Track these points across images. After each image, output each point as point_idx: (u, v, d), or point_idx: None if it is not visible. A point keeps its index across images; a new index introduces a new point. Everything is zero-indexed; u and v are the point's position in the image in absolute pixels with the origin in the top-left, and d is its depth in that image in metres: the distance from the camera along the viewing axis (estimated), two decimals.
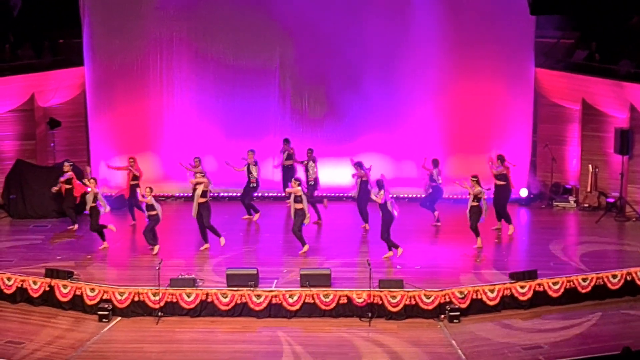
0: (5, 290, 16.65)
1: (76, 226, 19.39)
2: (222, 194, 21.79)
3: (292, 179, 18.15)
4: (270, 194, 21.75)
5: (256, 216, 20.29)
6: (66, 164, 19.54)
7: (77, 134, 22.81)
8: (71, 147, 22.66)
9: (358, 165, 19.21)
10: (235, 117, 22.20)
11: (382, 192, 17.36)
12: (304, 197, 17.76)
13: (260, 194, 21.23)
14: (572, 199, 21.69)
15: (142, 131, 22.39)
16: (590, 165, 21.27)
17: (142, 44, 22.11)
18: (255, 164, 20.04)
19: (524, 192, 21.78)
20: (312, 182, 20.16)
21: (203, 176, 18.21)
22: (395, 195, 21.64)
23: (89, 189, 17.99)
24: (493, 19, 21.46)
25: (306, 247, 18.00)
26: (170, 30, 22.10)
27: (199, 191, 18.01)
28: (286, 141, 21.05)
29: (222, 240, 18.36)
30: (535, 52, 21.88)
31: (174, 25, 22.07)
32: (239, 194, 20.67)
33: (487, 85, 21.87)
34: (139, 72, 22.20)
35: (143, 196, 17.91)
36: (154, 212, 17.83)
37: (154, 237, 18.04)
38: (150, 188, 17.94)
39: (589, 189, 21.35)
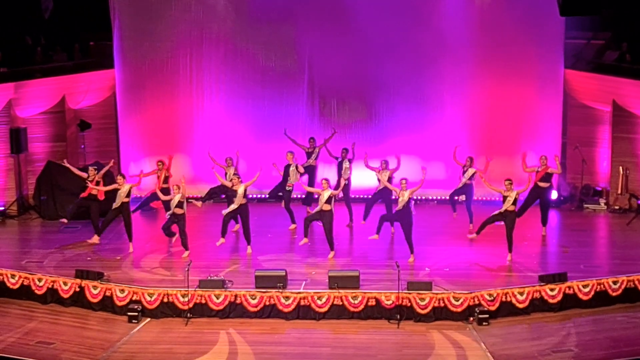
0: (36, 291, 16.81)
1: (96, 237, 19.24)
2: (251, 196, 21.81)
3: (322, 180, 18.11)
4: (297, 196, 21.68)
5: (292, 226, 20.19)
6: (91, 168, 19.27)
7: (108, 135, 22.97)
8: (101, 148, 22.81)
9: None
10: (265, 118, 22.25)
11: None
12: (332, 198, 17.76)
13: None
14: (602, 201, 21.56)
15: (172, 133, 22.50)
16: (620, 167, 21.11)
17: (172, 46, 22.22)
18: (296, 166, 19.98)
19: (554, 194, 21.64)
20: (346, 182, 20.09)
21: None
22: (424, 197, 21.82)
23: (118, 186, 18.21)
24: (522, 20, 21.34)
25: (332, 253, 18.01)
26: (200, 33, 22.20)
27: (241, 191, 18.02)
28: (312, 140, 20.90)
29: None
30: (565, 54, 21.75)
31: (203, 27, 22.17)
32: (266, 196, 20.62)
33: (516, 87, 21.78)
34: (168, 74, 22.31)
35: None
36: (181, 211, 17.88)
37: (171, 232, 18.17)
38: (179, 186, 18.02)
39: (619, 191, 21.19)
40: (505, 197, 17.68)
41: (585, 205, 21.59)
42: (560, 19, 20.64)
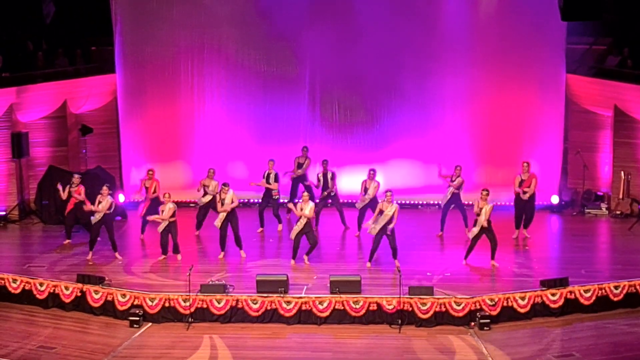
0: (37, 296, 16.80)
1: (68, 241, 19.29)
2: (252, 200, 21.83)
3: (303, 193, 18.06)
4: (295, 200, 21.57)
5: (260, 229, 20.20)
6: (76, 176, 19.25)
7: (109, 140, 22.98)
8: (103, 153, 22.85)
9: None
10: (266, 123, 22.25)
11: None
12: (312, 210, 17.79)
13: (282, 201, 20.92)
14: (604, 206, 21.54)
15: (173, 138, 22.51)
16: (622, 172, 21.11)
17: (174, 51, 22.23)
18: (276, 175, 19.95)
19: (555, 199, 21.68)
20: (333, 193, 20.02)
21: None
22: (425, 202, 21.84)
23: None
24: (524, 25, 21.35)
25: (292, 262, 17.98)
26: (201, 37, 22.20)
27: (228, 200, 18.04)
28: (305, 149, 20.94)
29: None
30: (566, 59, 21.75)
31: (205, 32, 22.16)
32: (259, 200, 20.56)
33: (518, 92, 21.78)
34: (170, 79, 22.32)
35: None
36: (173, 219, 17.91)
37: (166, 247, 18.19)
38: (169, 194, 18.03)
39: (621, 196, 21.19)
40: (480, 209, 17.34)
41: (587, 210, 21.57)
42: (561, 24, 20.68)
